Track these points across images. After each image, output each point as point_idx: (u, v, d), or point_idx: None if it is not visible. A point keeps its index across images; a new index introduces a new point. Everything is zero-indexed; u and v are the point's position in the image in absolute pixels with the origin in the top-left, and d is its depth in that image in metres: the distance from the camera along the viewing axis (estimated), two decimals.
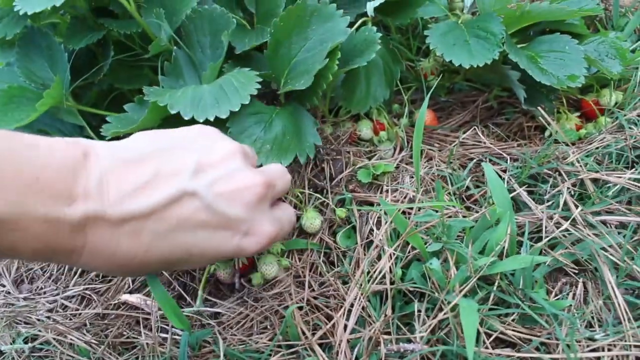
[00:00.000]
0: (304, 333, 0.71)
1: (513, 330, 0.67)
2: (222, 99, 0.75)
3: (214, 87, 0.77)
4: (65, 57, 0.89)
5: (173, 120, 0.76)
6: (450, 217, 0.77)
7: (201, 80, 0.86)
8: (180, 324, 0.68)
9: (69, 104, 0.89)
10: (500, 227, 0.71)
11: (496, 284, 0.69)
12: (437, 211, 0.75)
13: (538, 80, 0.84)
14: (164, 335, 0.76)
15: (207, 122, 0.73)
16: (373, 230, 0.80)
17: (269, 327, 0.76)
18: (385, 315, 0.69)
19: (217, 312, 0.79)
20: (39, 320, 0.84)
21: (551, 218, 0.76)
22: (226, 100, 0.74)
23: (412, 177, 0.85)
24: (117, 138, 0.67)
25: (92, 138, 0.93)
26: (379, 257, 0.75)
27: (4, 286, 0.93)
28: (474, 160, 0.87)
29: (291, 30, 0.85)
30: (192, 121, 0.72)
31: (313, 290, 0.78)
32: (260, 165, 0.76)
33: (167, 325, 0.77)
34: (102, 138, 0.94)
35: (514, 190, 0.80)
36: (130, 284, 0.87)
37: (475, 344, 0.60)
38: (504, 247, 0.71)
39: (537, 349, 0.65)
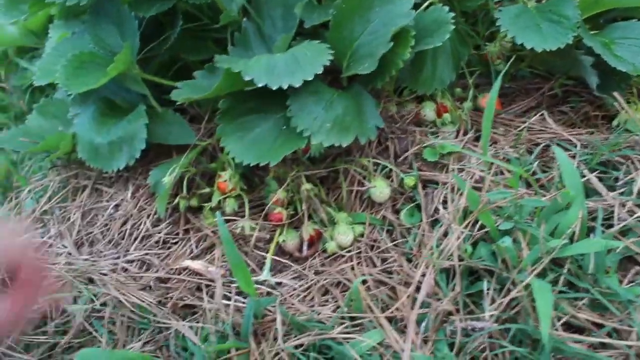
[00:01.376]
0: (369, 307, 0.71)
1: (584, 315, 0.65)
2: (295, 68, 0.74)
3: (287, 56, 0.77)
4: (135, 24, 0.90)
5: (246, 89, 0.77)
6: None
7: (270, 51, 0.86)
8: (248, 289, 0.68)
9: (135, 72, 0.89)
10: (572, 211, 0.70)
11: (566, 267, 0.68)
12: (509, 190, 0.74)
13: (613, 67, 0.83)
14: (226, 302, 0.76)
15: (279, 90, 0.73)
16: (439, 209, 0.79)
17: (330, 299, 0.76)
18: (454, 292, 0.68)
19: (279, 283, 0.79)
20: (100, 281, 0.84)
21: (624, 205, 0.75)
22: (299, 69, 0.74)
23: (479, 158, 0.84)
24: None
25: (153, 107, 0.94)
26: (446, 235, 0.74)
27: (65, 247, 0.94)
28: (541, 145, 0.86)
29: (353, 12, 0.84)
30: (265, 88, 0.73)
31: (375, 266, 0.78)
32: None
33: (230, 292, 0.77)
34: (163, 106, 0.96)
35: (584, 176, 0.78)
36: (194, 249, 0.87)
37: None
38: (574, 231, 0.70)
39: (609, 335, 0.64)
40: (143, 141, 0.89)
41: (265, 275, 0.79)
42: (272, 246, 0.82)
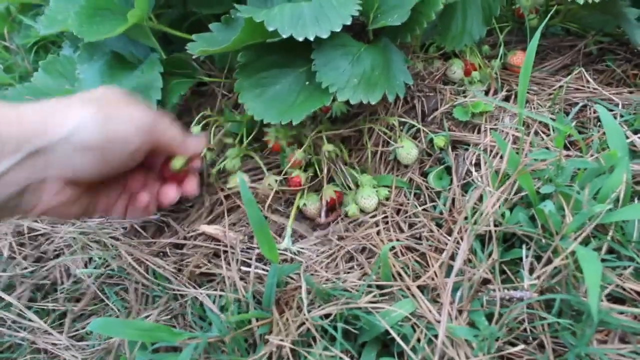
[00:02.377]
0: (399, 274, 0.67)
1: (629, 285, 0.61)
2: (322, 18, 0.69)
3: (313, 5, 0.71)
4: None
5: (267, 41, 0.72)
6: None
7: (292, 1, 0.80)
8: (271, 255, 0.63)
9: (151, 24, 0.84)
10: (616, 174, 0.65)
11: (610, 234, 0.63)
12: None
13: None
14: (246, 268, 0.72)
15: (305, 41, 0.67)
16: (471, 171, 0.75)
17: (356, 266, 0.72)
18: (490, 259, 0.64)
19: (301, 249, 0.75)
20: (112, 245, 0.80)
21: None
22: (326, 19, 0.69)
23: (513, 118, 0.79)
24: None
25: (162, 59, 0.89)
26: (480, 199, 0.70)
27: None
28: (579, 105, 0.81)
29: None
30: (290, 39, 0.67)
31: (403, 231, 0.74)
32: None
33: (249, 259, 0.73)
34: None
35: (628, 138, 0.73)
36: (210, 213, 0.83)
37: None
38: (618, 196, 0.65)
39: None
40: (159, 90, 0.83)
41: (286, 242, 0.75)
42: (293, 211, 0.78)
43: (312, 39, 0.66)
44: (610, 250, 0.64)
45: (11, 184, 0.56)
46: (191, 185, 0.75)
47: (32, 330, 0.77)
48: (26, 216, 0.60)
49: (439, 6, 0.72)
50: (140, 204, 0.71)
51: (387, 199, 0.77)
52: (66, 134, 0.56)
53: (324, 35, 0.67)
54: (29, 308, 0.80)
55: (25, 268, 0.85)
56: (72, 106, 0.59)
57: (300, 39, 0.66)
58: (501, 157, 0.74)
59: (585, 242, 0.63)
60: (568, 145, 0.77)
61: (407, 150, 0.78)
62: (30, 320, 0.78)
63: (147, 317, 0.73)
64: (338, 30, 0.67)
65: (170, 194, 0.73)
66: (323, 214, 0.77)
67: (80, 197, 0.64)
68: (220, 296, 0.70)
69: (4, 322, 0.78)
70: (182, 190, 0.74)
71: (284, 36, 0.66)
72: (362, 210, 0.77)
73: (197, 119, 0.86)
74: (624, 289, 0.61)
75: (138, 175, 0.72)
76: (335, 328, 0.62)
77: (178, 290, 0.73)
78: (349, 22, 0.68)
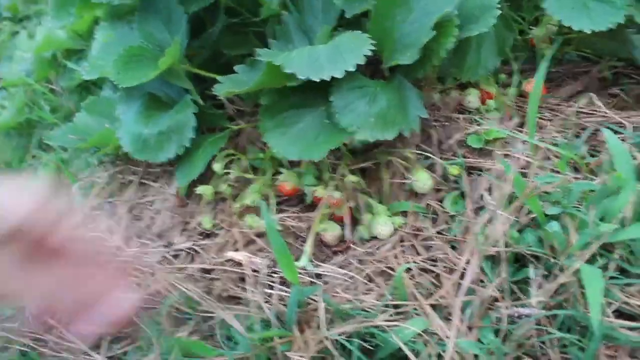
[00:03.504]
0: (413, 294, 0.70)
1: (636, 301, 0.63)
2: (337, 59, 0.74)
3: (329, 47, 0.76)
4: (184, 19, 0.91)
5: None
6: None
7: (312, 44, 0.86)
8: (291, 277, 0.68)
9: (183, 66, 0.91)
10: (623, 195, 0.68)
11: (617, 252, 0.66)
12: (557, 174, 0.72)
13: None
14: (269, 291, 0.76)
15: (322, 82, 0.72)
16: (483, 196, 0.78)
17: (374, 288, 0.75)
18: (500, 278, 0.67)
19: (321, 273, 0.79)
20: (148, 272, 0.86)
21: None
22: (341, 60, 0.73)
23: (525, 144, 0.82)
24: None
25: (197, 102, 0.95)
26: (491, 221, 0.73)
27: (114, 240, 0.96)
28: (590, 129, 0.84)
29: (394, 0, 0.82)
30: (306, 82, 0.73)
31: (419, 254, 0.77)
32: None
33: (273, 282, 0.77)
34: (206, 100, 0.97)
35: (635, 159, 0.76)
36: (236, 242, 0.88)
37: None
38: (625, 216, 0.67)
39: None
40: (192, 130, 0.90)
41: (304, 262, 0.78)
42: (312, 233, 0.82)
43: (328, 79, 0.71)
44: (619, 269, 0.66)
45: None
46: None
47: (72, 351, 0.82)
48: None
49: (450, 45, 0.76)
50: None
51: (401, 225, 0.81)
52: None
53: (339, 75, 0.71)
54: (69, 331, 0.85)
55: None
56: None
57: (317, 80, 0.71)
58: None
59: (592, 262, 0.65)
60: (578, 169, 0.79)
61: (423, 182, 0.81)
62: (70, 341, 0.83)
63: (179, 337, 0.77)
64: (352, 69, 0.72)
65: None
66: (347, 231, 0.81)
67: None
68: (246, 317, 0.75)
69: (46, 343, 0.84)
70: None
71: (301, 78, 0.71)
72: (376, 238, 0.81)
73: (219, 155, 0.92)
74: (631, 306, 0.63)
75: None
76: (352, 345, 0.65)
77: (207, 313, 0.78)
78: (362, 62, 0.72)
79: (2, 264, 0.52)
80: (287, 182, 0.88)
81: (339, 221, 0.84)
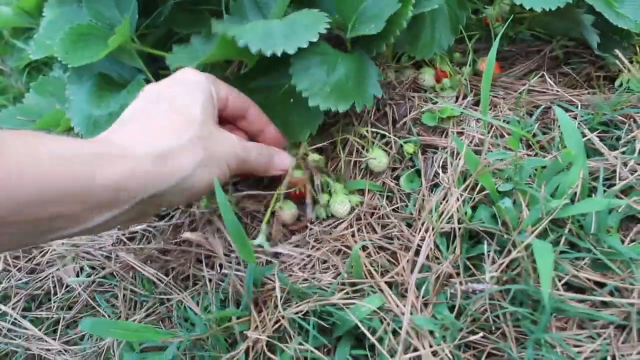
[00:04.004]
0: (369, 272, 0.71)
1: (585, 274, 0.65)
2: (291, 35, 0.73)
3: (284, 23, 0.75)
4: None
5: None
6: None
7: (266, 19, 0.85)
8: (247, 255, 0.67)
9: (135, 45, 0.88)
10: (573, 171, 0.69)
11: (567, 227, 0.67)
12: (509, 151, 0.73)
13: (614, 25, 0.81)
14: (226, 271, 0.76)
15: (273, 56, 0.72)
16: (439, 173, 0.79)
17: (331, 267, 0.75)
18: (454, 255, 0.68)
19: (278, 252, 0.79)
20: (102, 255, 0.85)
21: (625, 164, 0.74)
22: (295, 37, 0.73)
23: (478, 121, 0.83)
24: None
25: (150, 81, 0.93)
26: (445, 198, 0.74)
27: None
28: (542, 107, 0.85)
29: None
30: (260, 55, 0.72)
31: (376, 232, 0.78)
32: None
33: (229, 262, 0.77)
34: (158, 79, 0.95)
35: (585, 136, 0.77)
36: (192, 222, 0.87)
37: None
38: (575, 191, 0.69)
39: (611, 294, 0.64)
40: None
41: (260, 239, 0.78)
42: (267, 213, 0.82)
43: (279, 54, 0.71)
44: (570, 244, 0.68)
45: (113, 225, 0.58)
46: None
47: (27, 338, 0.81)
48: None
49: (408, 15, 0.76)
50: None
51: (360, 204, 0.81)
52: (178, 181, 0.59)
53: (291, 51, 0.71)
54: (24, 317, 0.84)
55: (20, 279, 0.89)
56: (184, 150, 0.61)
57: (269, 54, 0.70)
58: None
59: (543, 237, 0.66)
60: (531, 145, 0.80)
61: (378, 159, 0.82)
62: (25, 328, 0.82)
63: (134, 320, 0.77)
64: (305, 46, 0.71)
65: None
66: (308, 210, 0.81)
67: None
68: (204, 298, 0.74)
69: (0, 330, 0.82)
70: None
71: (253, 51, 0.70)
72: (334, 216, 0.81)
73: None
74: (580, 279, 0.65)
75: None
76: (309, 323, 0.65)
77: (164, 295, 0.77)
78: (315, 39, 0.72)
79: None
80: None
81: (296, 200, 0.83)
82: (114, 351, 0.75)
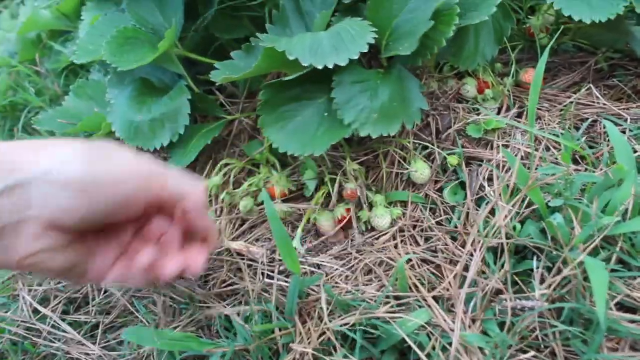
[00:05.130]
0: (414, 285, 0.70)
1: (638, 294, 0.63)
2: (340, 46, 0.72)
3: (331, 34, 0.75)
4: (179, 2, 0.89)
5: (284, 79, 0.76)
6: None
7: (309, 29, 0.84)
8: (293, 266, 0.67)
9: (178, 50, 0.89)
10: (624, 187, 0.68)
11: (619, 245, 0.66)
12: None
13: None
14: (269, 281, 0.75)
15: (320, 74, 0.71)
16: (484, 186, 0.77)
17: (374, 279, 0.75)
18: (502, 270, 0.67)
19: (320, 263, 0.78)
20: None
21: None
22: (344, 47, 0.72)
23: (524, 134, 0.82)
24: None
25: (191, 87, 0.93)
26: (492, 212, 0.73)
27: None
28: (589, 120, 0.84)
29: None
30: (306, 73, 0.72)
31: (419, 244, 0.77)
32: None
33: (272, 272, 0.77)
34: (199, 86, 0.95)
35: (636, 152, 0.76)
36: (234, 231, 0.87)
37: None
38: (627, 208, 0.67)
39: None
40: (187, 116, 0.88)
41: (295, 243, 0.77)
42: (304, 220, 0.81)
43: (331, 66, 0.70)
44: (620, 261, 0.66)
45: None
46: (196, 259, 0.64)
47: (66, 341, 0.81)
48: (7, 267, 0.55)
49: (450, 33, 0.75)
50: (138, 265, 0.60)
51: (400, 216, 0.80)
52: (46, 167, 0.51)
53: (342, 63, 0.70)
54: (63, 320, 0.84)
55: (59, 282, 0.89)
56: (56, 143, 0.54)
57: (320, 67, 0.70)
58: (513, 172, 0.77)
59: (594, 254, 0.65)
60: (579, 160, 0.79)
61: (420, 171, 0.81)
62: (64, 331, 0.82)
63: (174, 328, 0.76)
64: (355, 57, 0.70)
65: (169, 265, 0.61)
66: (336, 229, 0.80)
67: (67, 247, 0.56)
68: (245, 308, 0.74)
69: (39, 333, 0.82)
70: (186, 264, 0.63)
71: (304, 64, 0.70)
72: (374, 229, 0.81)
73: (217, 168, 0.93)
74: (633, 298, 0.63)
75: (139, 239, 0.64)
76: (355, 335, 0.65)
77: (204, 303, 0.77)
78: (365, 50, 0.71)
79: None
80: (275, 186, 0.87)
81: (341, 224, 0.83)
82: (153, 357, 0.75)
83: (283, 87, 0.80)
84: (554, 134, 0.81)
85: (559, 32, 0.91)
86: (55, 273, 0.57)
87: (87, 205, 0.53)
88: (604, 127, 0.82)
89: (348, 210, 0.82)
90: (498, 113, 0.90)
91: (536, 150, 0.78)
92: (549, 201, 0.69)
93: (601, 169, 0.75)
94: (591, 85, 0.89)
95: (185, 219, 0.62)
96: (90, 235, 0.58)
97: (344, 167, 0.82)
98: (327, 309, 0.68)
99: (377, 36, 0.73)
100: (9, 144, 0.53)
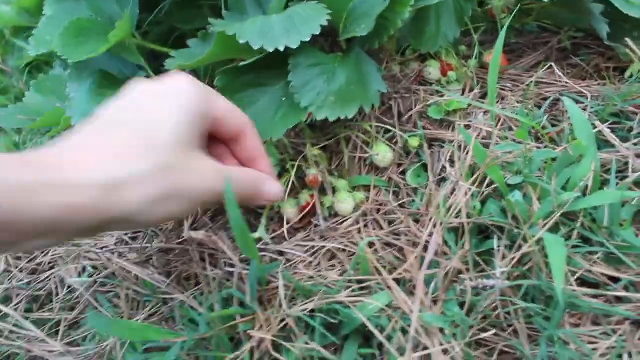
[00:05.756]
0: (376, 269, 0.69)
1: (599, 269, 0.63)
2: (291, 29, 0.71)
3: (283, 17, 0.73)
4: None
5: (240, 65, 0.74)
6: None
7: (266, 14, 0.83)
8: (249, 252, 0.66)
9: (135, 40, 0.87)
10: (584, 163, 0.68)
11: (579, 220, 0.66)
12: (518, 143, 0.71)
13: (624, 13, 0.79)
14: (230, 269, 0.74)
15: (276, 52, 0.70)
16: (445, 167, 0.77)
17: (337, 264, 0.74)
18: (463, 250, 0.66)
19: (282, 251, 0.77)
20: (104, 255, 0.83)
21: (638, 156, 0.72)
22: (295, 30, 0.71)
23: (486, 114, 0.81)
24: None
25: (150, 76, 0.92)
26: (453, 192, 0.72)
27: None
28: (550, 99, 0.83)
29: None
30: (263, 59, 0.70)
31: (382, 228, 0.76)
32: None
33: (233, 260, 0.75)
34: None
35: (596, 128, 0.76)
36: (195, 221, 0.86)
37: None
38: (586, 184, 0.67)
39: (626, 288, 0.62)
40: None
41: (260, 232, 0.76)
42: (267, 208, 0.80)
43: (282, 49, 0.69)
44: (582, 237, 0.66)
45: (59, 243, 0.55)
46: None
47: (29, 340, 0.79)
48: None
49: (406, 15, 0.74)
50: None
51: (364, 200, 0.80)
52: (122, 215, 0.51)
53: (293, 45, 0.69)
54: (26, 318, 0.82)
55: (21, 280, 0.88)
56: (137, 181, 0.52)
57: (271, 50, 0.69)
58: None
59: (555, 230, 0.65)
60: (540, 138, 0.79)
61: (383, 154, 0.80)
62: (26, 329, 0.80)
63: (137, 320, 0.75)
64: (307, 39, 0.69)
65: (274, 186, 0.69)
66: (299, 215, 0.80)
67: None
68: (207, 297, 0.73)
69: (0, 332, 0.81)
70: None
71: (255, 47, 0.68)
72: (338, 214, 0.80)
73: None
74: (594, 273, 0.63)
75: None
76: (315, 321, 0.64)
77: (167, 294, 0.76)
78: (317, 32, 0.70)
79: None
80: None
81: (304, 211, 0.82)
82: (116, 352, 0.73)
83: (239, 72, 0.78)
84: (515, 113, 0.81)
85: (519, 12, 0.90)
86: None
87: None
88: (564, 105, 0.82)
89: (312, 196, 0.81)
90: (462, 95, 0.89)
91: (497, 129, 0.78)
92: (508, 179, 0.69)
93: (563, 147, 0.74)
94: (552, 64, 0.89)
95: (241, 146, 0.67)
96: None
97: (304, 153, 0.81)
98: (286, 295, 0.67)
99: (330, 18, 0.72)
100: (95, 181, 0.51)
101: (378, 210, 0.78)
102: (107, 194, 0.49)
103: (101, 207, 0.49)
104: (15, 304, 0.85)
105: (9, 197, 0.44)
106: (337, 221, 0.80)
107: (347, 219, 0.79)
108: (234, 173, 0.62)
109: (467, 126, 0.81)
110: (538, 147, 0.75)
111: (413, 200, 0.77)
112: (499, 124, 0.80)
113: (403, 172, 0.81)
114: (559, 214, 0.64)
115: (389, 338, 0.61)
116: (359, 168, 0.84)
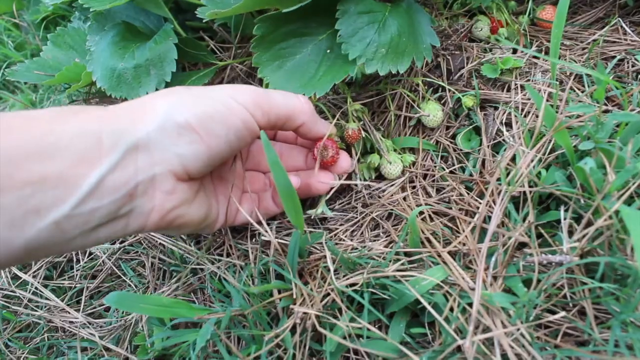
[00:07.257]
0: (428, 240, 0.63)
1: None
2: None
3: None
4: None
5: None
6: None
7: None
8: (296, 221, 0.60)
9: None
10: None
11: None
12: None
13: None
14: (267, 239, 0.68)
15: (321, 9, 0.63)
16: (501, 131, 0.70)
17: (382, 234, 0.68)
18: (526, 222, 0.60)
19: (324, 218, 0.71)
20: None
21: None
22: None
23: (545, 73, 0.74)
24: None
25: (178, 32, 0.85)
26: (513, 159, 0.65)
27: None
28: (616, 58, 0.76)
29: None
30: (306, 6, 0.63)
31: (430, 195, 0.70)
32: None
33: (270, 230, 0.70)
34: (188, 33, 0.87)
35: None
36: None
37: None
38: None
39: None
40: (173, 62, 0.79)
41: (322, 207, 0.70)
42: (317, 165, 0.73)
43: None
44: None
45: (118, 185, 0.49)
46: (345, 161, 0.70)
47: (49, 309, 0.75)
48: (144, 230, 0.54)
49: None
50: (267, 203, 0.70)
51: (412, 164, 0.73)
52: (159, 121, 0.52)
53: None
54: (45, 286, 0.78)
55: None
56: (155, 97, 0.54)
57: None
58: (534, 115, 0.70)
59: (628, 203, 0.58)
60: (605, 101, 0.71)
61: (434, 114, 0.73)
62: (46, 298, 0.75)
63: (163, 292, 0.70)
64: None
65: (326, 179, 0.69)
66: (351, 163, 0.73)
67: (196, 197, 0.59)
68: (242, 269, 0.67)
69: (20, 300, 0.76)
70: (337, 171, 0.70)
71: None
72: (382, 178, 0.73)
73: None
74: None
75: (258, 175, 0.72)
76: (362, 297, 0.58)
77: (197, 265, 0.70)
78: None
79: None
80: None
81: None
82: (142, 325, 0.68)
83: (281, 21, 0.71)
84: (581, 69, 0.73)
85: None
86: (193, 226, 0.59)
87: (207, 149, 0.54)
88: (633, 65, 0.75)
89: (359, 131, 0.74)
90: (514, 54, 0.81)
91: (561, 90, 0.70)
92: (577, 145, 0.62)
93: (632, 110, 0.67)
94: (619, 20, 0.81)
95: (299, 132, 0.65)
96: (206, 181, 0.62)
97: (343, 109, 0.74)
98: (332, 267, 0.61)
99: None
100: (121, 104, 0.53)
101: (425, 176, 0.72)
102: (140, 102, 0.54)
103: (132, 118, 0.52)
104: (35, 271, 0.80)
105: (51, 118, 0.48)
106: (379, 188, 0.73)
107: (391, 185, 0.72)
108: (274, 93, 0.63)
109: (522, 87, 0.74)
110: (607, 111, 0.68)
111: (465, 167, 0.71)
112: (560, 85, 0.73)
113: (453, 136, 0.75)
114: (636, 184, 0.57)
115: (446, 319, 0.55)
116: (403, 130, 0.77)
